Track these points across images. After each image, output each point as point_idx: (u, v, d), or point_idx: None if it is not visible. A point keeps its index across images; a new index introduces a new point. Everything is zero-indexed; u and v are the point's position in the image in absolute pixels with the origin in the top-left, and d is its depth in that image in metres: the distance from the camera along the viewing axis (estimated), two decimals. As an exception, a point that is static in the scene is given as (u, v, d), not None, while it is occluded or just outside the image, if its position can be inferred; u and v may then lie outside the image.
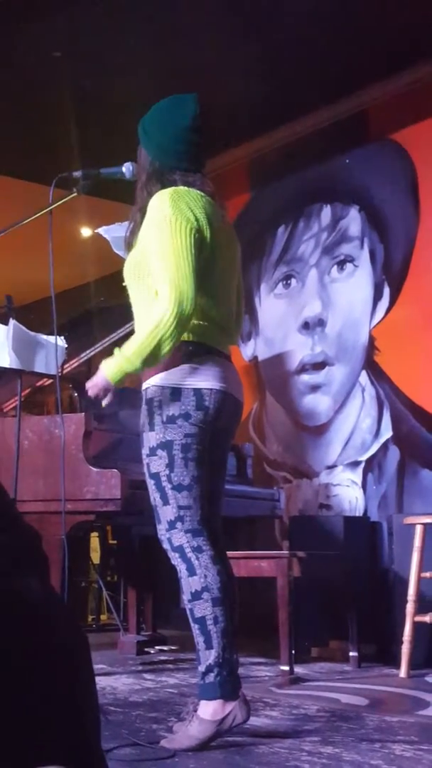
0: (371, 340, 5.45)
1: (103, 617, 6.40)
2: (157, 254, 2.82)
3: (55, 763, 0.91)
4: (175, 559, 2.85)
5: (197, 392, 2.85)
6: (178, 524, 2.84)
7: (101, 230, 3.29)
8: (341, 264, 5.67)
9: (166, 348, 2.76)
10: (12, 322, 4.15)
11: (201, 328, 2.89)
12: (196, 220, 2.84)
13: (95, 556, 6.41)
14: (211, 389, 2.86)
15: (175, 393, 2.84)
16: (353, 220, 5.64)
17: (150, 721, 3.12)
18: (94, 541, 6.43)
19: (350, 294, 5.60)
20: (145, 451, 2.91)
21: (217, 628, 2.77)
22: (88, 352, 5.40)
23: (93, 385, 2.87)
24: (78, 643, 1.01)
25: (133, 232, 3.00)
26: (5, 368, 4.18)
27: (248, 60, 5.28)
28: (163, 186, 2.92)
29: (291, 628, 4.14)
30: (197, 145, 3.00)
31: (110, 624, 6.10)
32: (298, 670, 4.31)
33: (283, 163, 6.14)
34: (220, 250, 2.94)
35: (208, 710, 2.74)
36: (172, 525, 2.85)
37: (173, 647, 4.98)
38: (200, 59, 5.27)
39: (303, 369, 5.80)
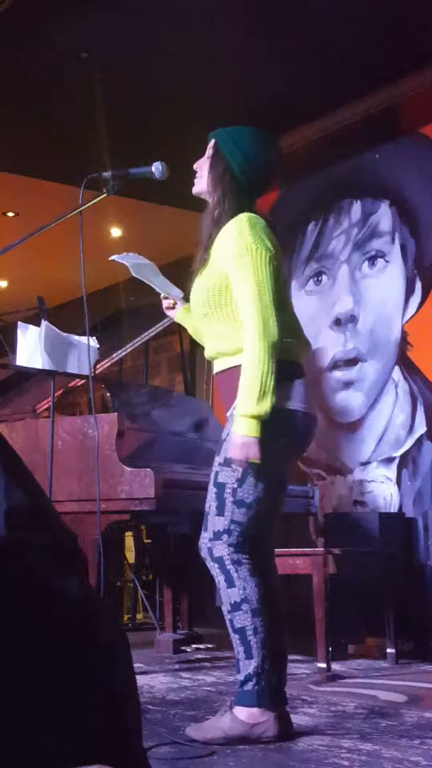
0: (404, 335, 5.42)
1: (139, 616, 6.41)
2: (241, 284, 2.84)
3: (98, 762, 0.91)
4: (213, 569, 2.87)
5: (293, 414, 2.85)
6: (224, 536, 2.84)
7: (116, 257, 3.26)
8: (372, 259, 5.64)
9: (272, 379, 2.75)
10: (44, 323, 4.17)
11: (290, 345, 2.91)
12: (273, 248, 2.89)
13: (130, 556, 6.43)
14: (304, 412, 2.88)
15: (268, 414, 2.78)
16: (384, 216, 5.61)
17: (188, 720, 3.12)
18: (129, 540, 6.45)
19: (382, 289, 5.57)
20: (218, 459, 2.89)
21: (257, 639, 2.79)
22: (119, 352, 5.41)
23: (234, 451, 2.79)
24: (118, 642, 1.02)
25: (207, 248, 2.99)
26: (38, 369, 4.20)
27: (277, 56, 5.26)
28: (241, 205, 2.95)
29: (327, 625, 4.13)
30: (269, 184, 3.09)
31: (146, 623, 6.12)
32: (335, 667, 4.30)
33: (313, 159, 6.11)
34: (284, 274, 3.01)
35: (244, 713, 2.78)
36: (217, 536, 2.85)
37: (210, 645, 4.98)
38: (228, 57, 5.27)
39: (335, 365, 5.78)
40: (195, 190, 3.10)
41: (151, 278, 3.27)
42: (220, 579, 2.84)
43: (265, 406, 2.73)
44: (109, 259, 3.25)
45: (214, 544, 2.85)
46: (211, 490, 2.89)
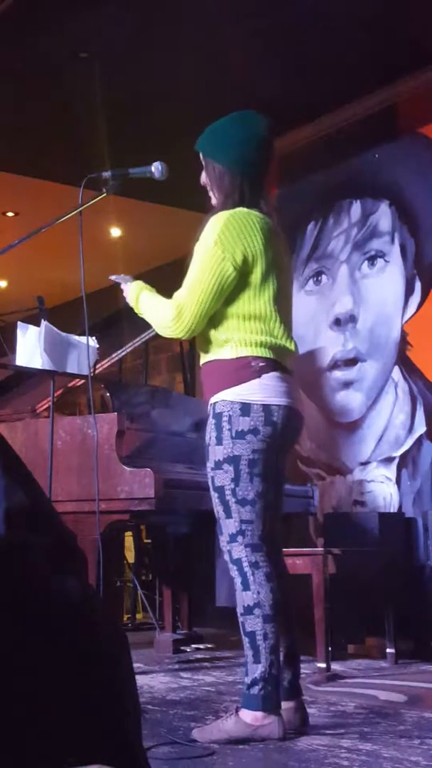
0: (403, 335, 5.42)
1: (139, 616, 6.41)
2: (190, 272, 2.91)
3: (97, 762, 0.91)
4: (233, 570, 2.90)
5: (266, 408, 2.87)
6: (239, 538, 2.87)
7: (114, 277, 3.28)
8: (372, 259, 5.64)
9: (156, 331, 3.05)
10: (44, 323, 4.17)
11: (269, 344, 2.92)
12: (243, 252, 2.88)
13: (130, 556, 6.43)
14: (279, 405, 2.89)
15: (245, 408, 2.87)
16: (383, 215, 5.61)
17: (187, 720, 3.12)
18: (129, 540, 6.44)
19: (381, 289, 5.57)
20: (209, 464, 2.93)
21: (266, 644, 2.81)
22: (119, 352, 5.41)
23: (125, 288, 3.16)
24: (118, 643, 1.02)
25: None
26: (38, 369, 4.20)
27: (277, 56, 5.26)
28: (242, 198, 2.95)
29: (327, 625, 4.13)
30: (269, 159, 3.05)
31: (146, 623, 6.12)
32: (335, 667, 4.30)
33: (312, 159, 6.11)
34: (278, 269, 2.98)
35: (248, 716, 2.79)
36: (233, 538, 2.88)
37: (209, 645, 4.98)
38: (227, 57, 5.27)
39: (335, 365, 5.78)
40: (213, 203, 3.10)
41: None
42: (237, 581, 2.88)
43: (139, 310, 3.08)
44: (109, 278, 3.27)
45: (232, 547, 2.89)
46: (213, 495, 2.93)
